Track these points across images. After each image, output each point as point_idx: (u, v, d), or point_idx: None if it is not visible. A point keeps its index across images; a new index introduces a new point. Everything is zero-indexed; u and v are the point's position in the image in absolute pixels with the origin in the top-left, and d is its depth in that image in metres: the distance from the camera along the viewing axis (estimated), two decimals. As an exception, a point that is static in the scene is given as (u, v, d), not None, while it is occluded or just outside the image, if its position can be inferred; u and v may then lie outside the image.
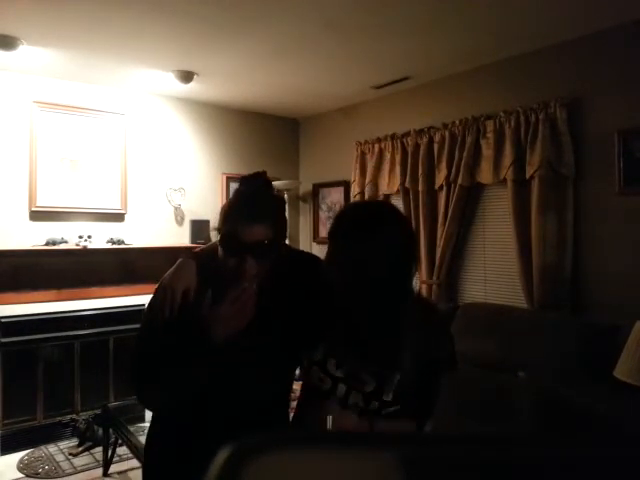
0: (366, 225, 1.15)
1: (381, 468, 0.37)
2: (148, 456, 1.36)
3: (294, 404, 1.37)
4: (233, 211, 1.20)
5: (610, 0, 2.62)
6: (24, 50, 3.24)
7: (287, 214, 1.32)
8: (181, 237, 4.43)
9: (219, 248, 1.20)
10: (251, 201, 1.21)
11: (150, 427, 1.35)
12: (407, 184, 3.95)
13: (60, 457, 3.33)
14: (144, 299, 1.26)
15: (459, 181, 3.55)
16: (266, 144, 5.04)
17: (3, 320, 3.48)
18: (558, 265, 3.07)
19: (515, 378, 2.49)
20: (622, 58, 2.90)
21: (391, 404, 1.19)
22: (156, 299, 1.21)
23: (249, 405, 1.23)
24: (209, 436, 1.07)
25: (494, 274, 3.56)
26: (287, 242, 1.33)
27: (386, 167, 4.17)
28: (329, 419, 1.14)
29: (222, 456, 0.36)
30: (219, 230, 1.20)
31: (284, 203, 1.35)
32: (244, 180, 1.26)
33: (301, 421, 1.30)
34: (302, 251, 1.52)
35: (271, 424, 1.26)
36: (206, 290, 1.19)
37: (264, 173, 1.27)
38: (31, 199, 3.75)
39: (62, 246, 3.72)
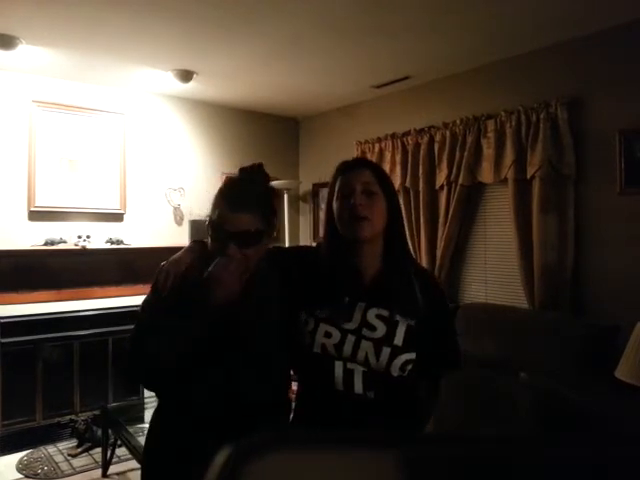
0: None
1: (381, 468, 0.37)
2: (147, 456, 1.35)
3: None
4: (220, 200, 1.25)
5: (610, 0, 2.62)
6: (23, 49, 3.24)
7: (286, 214, 1.34)
8: (180, 237, 4.43)
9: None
10: (237, 190, 1.25)
11: (150, 426, 1.35)
12: (407, 184, 3.95)
13: (59, 458, 3.33)
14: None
15: (460, 181, 3.55)
16: (266, 144, 5.03)
17: (3, 320, 3.47)
18: (559, 265, 3.07)
19: (515, 378, 2.49)
20: (622, 58, 2.90)
21: (402, 350, 1.18)
22: (161, 272, 1.25)
23: (248, 405, 1.23)
24: (209, 436, 1.07)
25: (495, 274, 3.56)
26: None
27: (386, 167, 4.15)
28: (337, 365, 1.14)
29: (222, 456, 0.35)
30: (209, 217, 1.25)
31: (273, 192, 1.37)
32: (239, 170, 1.31)
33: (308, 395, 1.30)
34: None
35: (271, 424, 1.26)
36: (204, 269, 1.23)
37: (260, 164, 1.30)
38: (30, 199, 3.74)
39: (61, 246, 3.71)
